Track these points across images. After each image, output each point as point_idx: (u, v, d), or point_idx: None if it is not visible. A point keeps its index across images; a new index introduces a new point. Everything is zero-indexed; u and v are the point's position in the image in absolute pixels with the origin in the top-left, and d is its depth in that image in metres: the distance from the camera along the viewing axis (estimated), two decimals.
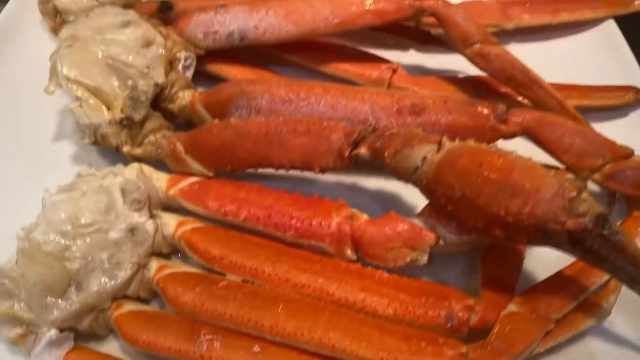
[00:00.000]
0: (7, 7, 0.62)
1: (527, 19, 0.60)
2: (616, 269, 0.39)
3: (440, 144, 0.42)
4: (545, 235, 0.38)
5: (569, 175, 0.42)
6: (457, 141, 0.41)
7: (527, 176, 0.38)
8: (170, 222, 0.47)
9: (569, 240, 0.38)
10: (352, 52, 0.58)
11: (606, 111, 0.56)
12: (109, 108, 0.49)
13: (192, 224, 0.47)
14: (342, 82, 0.57)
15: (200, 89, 0.55)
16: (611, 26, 0.60)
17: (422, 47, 0.61)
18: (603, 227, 0.37)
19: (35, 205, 0.47)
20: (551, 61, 0.61)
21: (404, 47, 0.62)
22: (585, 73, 0.59)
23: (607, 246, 0.37)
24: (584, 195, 0.38)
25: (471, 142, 0.41)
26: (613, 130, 0.55)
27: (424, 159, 0.41)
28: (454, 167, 0.40)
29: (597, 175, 0.47)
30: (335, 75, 0.58)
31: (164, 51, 0.51)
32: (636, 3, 0.60)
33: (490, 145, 0.41)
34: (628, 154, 0.47)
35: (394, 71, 0.57)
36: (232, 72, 0.57)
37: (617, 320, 0.45)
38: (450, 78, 0.57)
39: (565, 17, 0.60)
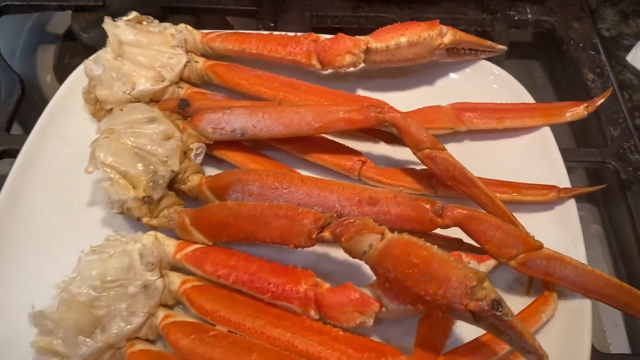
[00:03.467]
0: (57, 95, 0.76)
1: (478, 123, 0.73)
2: (511, 340, 0.50)
3: (383, 234, 0.54)
4: (454, 312, 0.50)
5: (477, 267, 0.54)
6: (396, 233, 0.54)
7: (442, 267, 0.50)
8: (175, 281, 0.61)
9: (472, 318, 0.50)
10: (331, 145, 0.72)
11: (536, 205, 0.69)
12: (134, 187, 0.63)
13: (192, 282, 0.60)
14: (322, 168, 0.72)
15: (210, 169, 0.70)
16: (546, 133, 0.73)
17: None
18: (497, 309, 0.49)
19: (71, 259, 0.60)
20: (496, 157, 0.74)
21: (375, 140, 0.76)
22: (523, 169, 0.72)
23: (501, 323, 0.50)
24: (485, 284, 0.50)
25: (406, 236, 0.54)
26: (540, 222, 0.68)
27: (370, 245, 0.54)
28: (391, 255, 0.53)
29: (512, 262, 0.59)
30: (316, 162, 0.71)
31: (180, 144, 0.65)
32: (568, 115, 0.73)
33: (419, 240, 0.53)
34: (538, 246, 0.59)
35: (363, 163, 0.70)
36: (233, 157, 0.70)
37: None
38: (409, 170, 0.70)
39: (508, 124, 0.73)
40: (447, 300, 0.50)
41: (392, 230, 0.55)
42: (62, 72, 0.99)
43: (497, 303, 0.49)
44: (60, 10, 0.97)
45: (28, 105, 0.87)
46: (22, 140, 0.75)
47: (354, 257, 0.56)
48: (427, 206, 0.60)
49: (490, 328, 0.51)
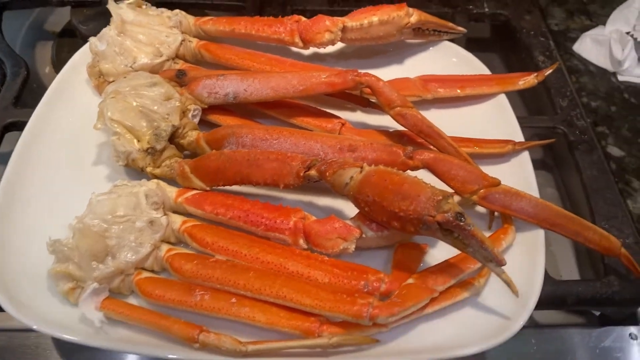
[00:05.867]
0: (64, 70, 0.84)
1: (442, 92, 0.83)
2: (475, 251, 0.59)
3: (362, 168, 0.63)
4: (424, 225, 0.58)
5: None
6: (373, 166, 0.63)
7: (413, 187, 0.59)
8: (177, 220, 0.67)
9: (440, 230, 0.58)
10: (314, 110, 0.80)
11: (494, 157, 0.78)
12: (138, 141, 0.70)
13: (192, 222, 0.67)
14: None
15: (203, 131, 0.77)
16: (502, 98, 0.83)
17: (364, 109, 0.84)
18: (460, 220, 0.57)
19: (79, 208, 0.67)
20: (459, 121, 0.83)
21: (352, 109, 0.84)
22: (483, 130, 0.81)
23: (464, 234, 0.58)
24: (450, 200, 0.58)
25: (381, 166, 0.62)
26: (498, 171, 0.77)
27: (351, 177, 0.62)
28: (369, 182, 0.61)
29: (475, 197, 0.68)
30: (300, 125, 0.79)
31: (179, 104, 0.73)
32: (520, 83, 0.84)
33: (393, 169, 0.62)
34: (496, 182, 0.68)
35: (343, 124, 0.79)
36: (227, 120, 0.78)
37: (487, 296, 0.65)
38: (383, 131, 0.79)
39: (469, 91, 0.83)
40: (418, 213, 0.58)
41: None
42: (60, 65, 1.06)
43: (461, 215, 0.57)
44: (61, 6, 1.05)
45: (28, 93, 0.94)
46: (27, 113, 0.81)
47: (336, 191, 0.64)
48: (399, 151, 0.69)
49: (456, 241, 0.59)
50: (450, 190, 0.68)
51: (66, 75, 0.84)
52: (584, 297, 0.70)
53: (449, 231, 0.58)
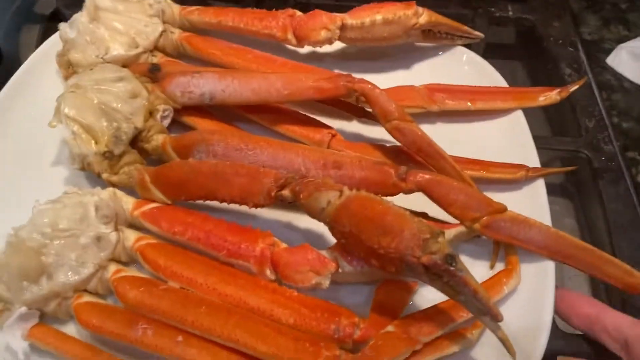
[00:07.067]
0: (31, 58, 0.77)
1: (450, 104, 0.73)
2: (467, 301, 0.49)
3: (342, 192, 0.53)
4: (407, 266, 0.49)
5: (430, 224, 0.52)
6: (354, 190, 0.53)
7: (396, 220, 0.49)
8: (130, 237, 0.59)
9: (425, 273, 0.49)
10: (302, 117, 0.71)
11: (504, 184, 0.68)
12: (96, 142, 0.62)
13: (147, 240, 0.59)
14: (291, 140, 0.71)
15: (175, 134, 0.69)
16: (519, 115, 0.73)
17: (362, 120, 0.74)
18: (450, 264, 0.48)
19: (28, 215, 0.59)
20: (468, 139, 0.73)
21: (348, 118, 0.75)
22: (494, 151, 0.71)
23: (454, 280, 0.48)
24: (439, 239, 0.49)
25: (364, 192, 0.53)
26: (508, 199, 0.67)
27: (329, 202, 0.53)
28: (347, 210, 0.52)
29: (477, 225, 0.58)
30: (285, 134, 0.70)
31: (146, 103, 0.64)
32: (541, 99, 0.73)
33: (377, 196, 0.52)
34: (502, 209, 0.58)
35: (333, 136, 0.69)
36: (202, 124, 0.70)
37: (481, 350, 0.55)
38: (378, 145, 0.69)
39: (480, 105, 0.73)
40: (400, 252, 0.48)
41: None
42: None
43: (451, 258, 0.48)
44: None
45: (6, 79, 0.87)
46: None
47: (312, 216, 0.55)
48: (391, 170, 0.59)
49: (446, 287, 0.49)
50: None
51: (34, 64, 0.76)
52: (598, 354, 0.60)
53: (438, 275, 0.49)
